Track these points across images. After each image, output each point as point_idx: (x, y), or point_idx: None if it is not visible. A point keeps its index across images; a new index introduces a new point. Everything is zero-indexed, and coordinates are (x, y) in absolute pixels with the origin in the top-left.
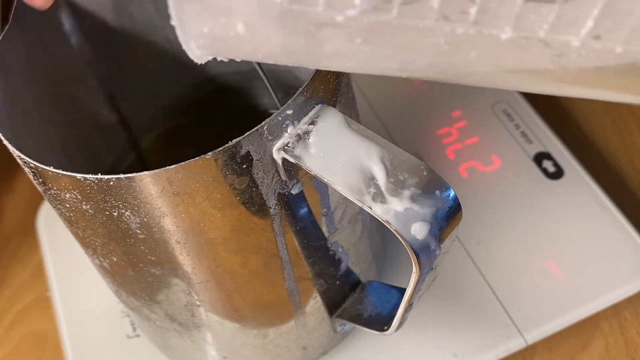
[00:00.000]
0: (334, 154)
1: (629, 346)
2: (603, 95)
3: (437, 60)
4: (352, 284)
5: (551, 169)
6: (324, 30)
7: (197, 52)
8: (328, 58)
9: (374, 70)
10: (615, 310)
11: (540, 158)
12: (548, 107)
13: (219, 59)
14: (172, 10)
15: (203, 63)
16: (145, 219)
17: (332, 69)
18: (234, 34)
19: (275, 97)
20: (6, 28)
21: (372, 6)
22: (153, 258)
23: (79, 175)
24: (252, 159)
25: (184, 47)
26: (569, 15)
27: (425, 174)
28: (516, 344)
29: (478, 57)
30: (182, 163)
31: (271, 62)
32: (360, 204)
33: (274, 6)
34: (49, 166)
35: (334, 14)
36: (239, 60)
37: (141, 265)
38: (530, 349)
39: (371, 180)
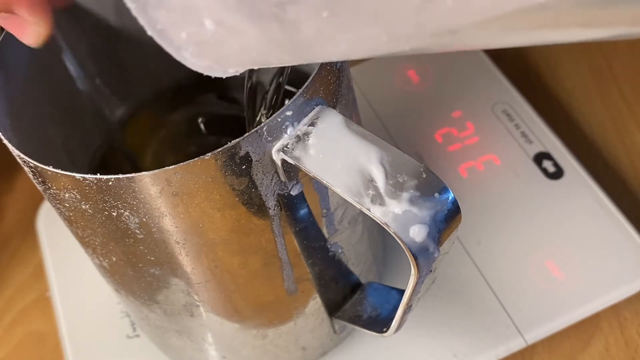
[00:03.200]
0: (333, 156)
1: (629, 346)
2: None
3: (420, 19)
4: (352, 285)
5: (551, 169)
6: (288, 10)
7: (200, 63)
8: (317, 45)
9: (368, 51)
10: (615, 310)
11: (540, 158)
12: (548, 107)
13: (231, 71)
14: (143, 22)
15: (225, 77)
16: (144, 219)
17: (331, 59)
18: (212, 33)
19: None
20: None
21: None
22: (152, 258)
23: (78, 175)
24: (252, 160)
25: (182, 61)
26: None
27: (424, 176)
28: (516, 344)
29: (456, 2)
30: (182, 163)
31: (275, 61)
32: (358, 206)
33: None
34: (49, 166)
35: None
36: (249, 66)
37: (140, 265)
38: (530, 349)
39: (370, 182)
